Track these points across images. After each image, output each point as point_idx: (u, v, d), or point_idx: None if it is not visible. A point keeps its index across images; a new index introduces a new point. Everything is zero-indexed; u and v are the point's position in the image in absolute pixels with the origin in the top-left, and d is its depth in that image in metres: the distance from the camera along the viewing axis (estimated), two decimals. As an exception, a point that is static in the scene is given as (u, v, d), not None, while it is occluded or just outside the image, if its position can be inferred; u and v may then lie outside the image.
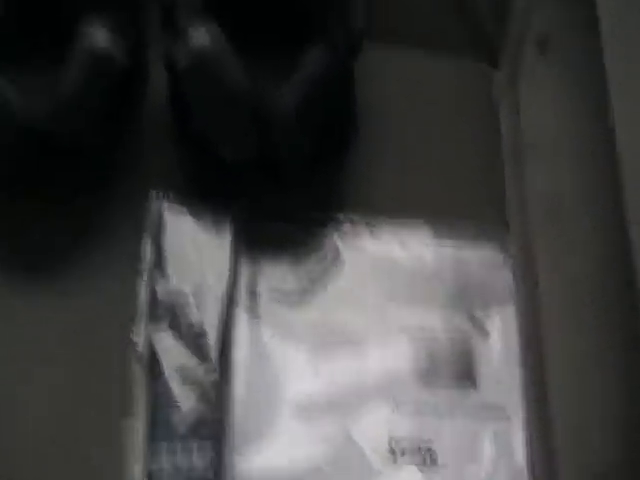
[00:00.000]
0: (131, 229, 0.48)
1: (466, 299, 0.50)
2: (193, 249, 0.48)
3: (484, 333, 0.50)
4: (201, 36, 0.44)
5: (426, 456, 0.46)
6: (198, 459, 0.42)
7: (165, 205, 0.48)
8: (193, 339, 0.45)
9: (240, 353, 0.46)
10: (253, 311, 0.48)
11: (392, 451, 0.46)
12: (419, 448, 0.46)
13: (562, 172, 0.50)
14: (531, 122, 0.54)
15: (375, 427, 0.46)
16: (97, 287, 0.47)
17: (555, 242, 0.49)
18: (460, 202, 0.54)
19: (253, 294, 0.48)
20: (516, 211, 0.53)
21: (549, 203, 0.51)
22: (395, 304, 0.49)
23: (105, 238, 0.48)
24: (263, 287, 0.48)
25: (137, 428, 0.42)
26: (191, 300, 0.46)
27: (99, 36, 0.44)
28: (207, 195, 0.49)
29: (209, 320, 0.45)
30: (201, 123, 0.45)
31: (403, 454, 0.46)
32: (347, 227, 0.51)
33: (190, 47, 0.44)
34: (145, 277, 0.47)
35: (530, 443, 0.47)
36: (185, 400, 0.43)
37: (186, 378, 0.44)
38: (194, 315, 0.45)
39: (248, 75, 0.44)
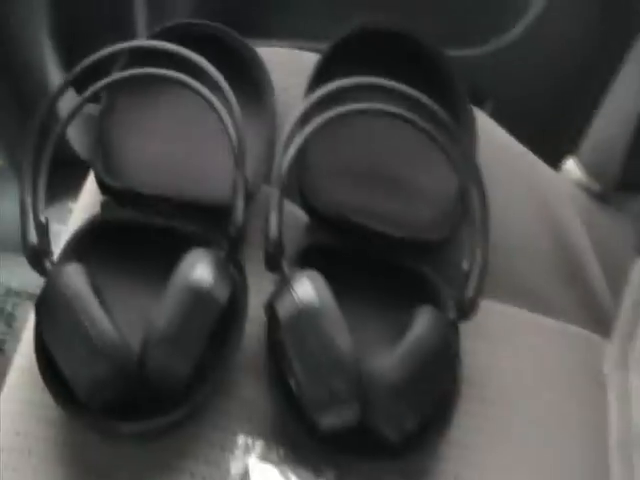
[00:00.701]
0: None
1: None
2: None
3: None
4: (306, 288, 0.43)
5: None
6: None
7: (252, 459, 0.46)
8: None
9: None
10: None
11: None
12: None
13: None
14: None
15: None
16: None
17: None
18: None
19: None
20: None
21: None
22: None
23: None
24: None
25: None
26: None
27: (202, 274, 0.44)
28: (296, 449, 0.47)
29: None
30: (298, 380, 0.43)
31: None
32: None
33: (294, 299, 0.43)
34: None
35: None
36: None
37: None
38: None
39: (352, 334, 0.43)
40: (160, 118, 0.56)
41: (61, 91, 0.51)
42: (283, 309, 0.43)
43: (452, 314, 0.47)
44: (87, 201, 0.57)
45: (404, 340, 0.44)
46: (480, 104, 0.66)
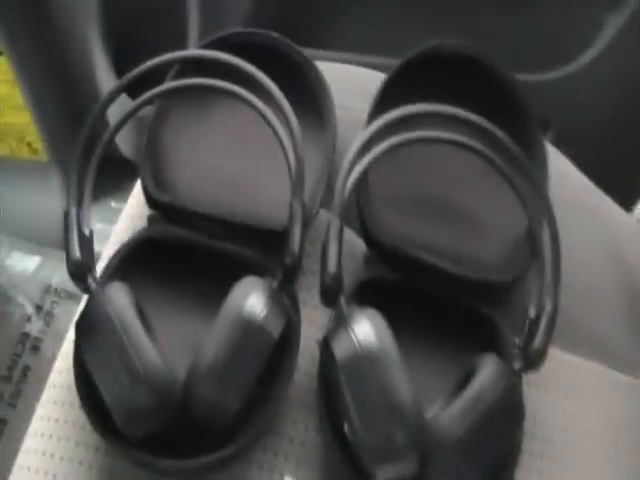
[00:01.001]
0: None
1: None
2: None
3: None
4: (366, 329, 0.41)
5: None
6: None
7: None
8: None
9: None
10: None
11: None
12: None
13: None
14: None
15: None
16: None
17: None
18: None
19: None
20: None
21: None
22: None
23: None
24: None
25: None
26: None
27: (254, 305, 0.42)
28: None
29: None
30: (354, 425, 0.40)
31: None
32: None
33: (353, 339, 0.40)
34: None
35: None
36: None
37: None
38: None
39: (411, 380, 0.40)
40: (215, 131, 0.53)
41: (112, 98, 0.48)
42: (340, 349, 0.41)
43: (517, 364, 0.44)
44: (133, 213, 0.54)
45: (467, 391, 0.41)
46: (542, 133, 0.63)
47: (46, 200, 0.98)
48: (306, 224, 0.46)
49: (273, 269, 0.45)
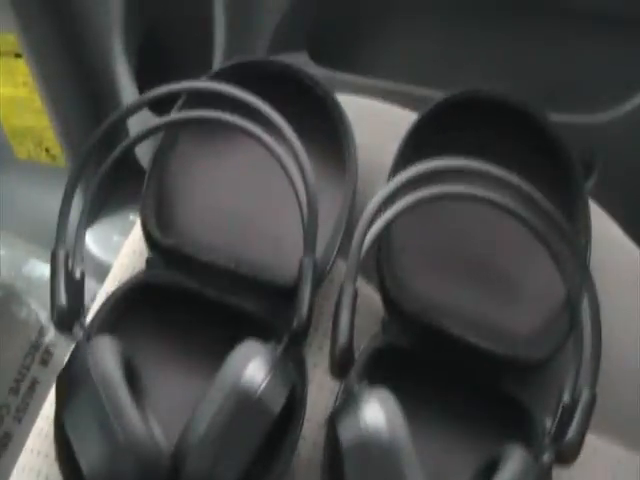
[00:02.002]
0: None
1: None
2: None
3: None
4: (376, 414, 0.36)
5: None
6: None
7: None
8: None
9: None
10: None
11: None
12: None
13: None
14: None
15: None
16: None
17: None
18: None
19: None
20: None
21: None
22: None
23: None
24: None
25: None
26: None
27: (254, 377, 0.37)
28: None
29: None
30: None
31: None
32: None
33: (361, 424, 0.36)
34: None
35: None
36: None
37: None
38: None
39: (425, 475, 0.35)
40: (226, 169, 0.49)
41: (123, 117, 0.45)
42: (346, 433, 0.36)
43: (547, 456, 0.38)
44: (135, 249, 0.50)
45: None
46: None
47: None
48: (319, 281, 0.42)
49: (280, 328, 0.41)
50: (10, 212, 1.02)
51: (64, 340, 1.02)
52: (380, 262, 0.44)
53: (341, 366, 0.38)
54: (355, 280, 0.39)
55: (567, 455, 0.38)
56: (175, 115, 0.47)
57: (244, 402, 0.37)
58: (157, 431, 0.39)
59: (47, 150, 0.95)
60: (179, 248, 0.45)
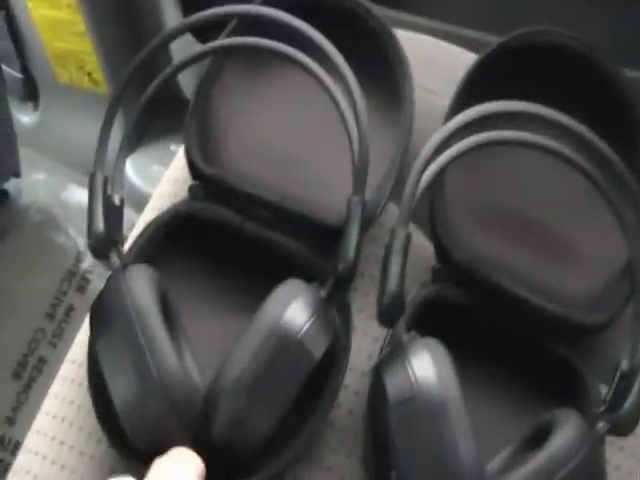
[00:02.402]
0: None
1: None
2: None
3: None
4: (427, 368, 0.34)
5: None
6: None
7: None
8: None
9: None
10: None
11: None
12: None
13: None
14: None
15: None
16: None
17: None
18: None
19: None
20: None
21: None
22: None
23: None
24: None
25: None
26: None
27: (295, 318, 0.35)
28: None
29: None
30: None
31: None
32: None
33: (410, 377, 0.34)
34: None
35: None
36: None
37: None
38: None
39: (474, 435, 0.33)
40: (273, 101, 0.46)
41: (166, 41, 0.42)
42: (394, 387, 0.34)
43: (602, 425, 0.36)
44: (177, 176, 0.48)
45: (540, 453, 0.34)
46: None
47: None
48: (368, 223, 0.40)
49: (324, 271, 0.39)
50: (50, 137, 1.02)
51: (101, 268, 1.02)
52: (433, 209, 0.42)
53: (390, 313, 0.36)
54: (407, 224, 0.36)
55: (623, 426, 0.36)
56: (220, 41, 0.45)
57: (283, 345, 0.35)
58: (192, 368, 0.38)
59: (89, 75, 0.93)
60: (223, 178, 0.43)
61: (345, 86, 0.39)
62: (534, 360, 0.41)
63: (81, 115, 0.98)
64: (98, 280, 0.99)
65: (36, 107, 1.03)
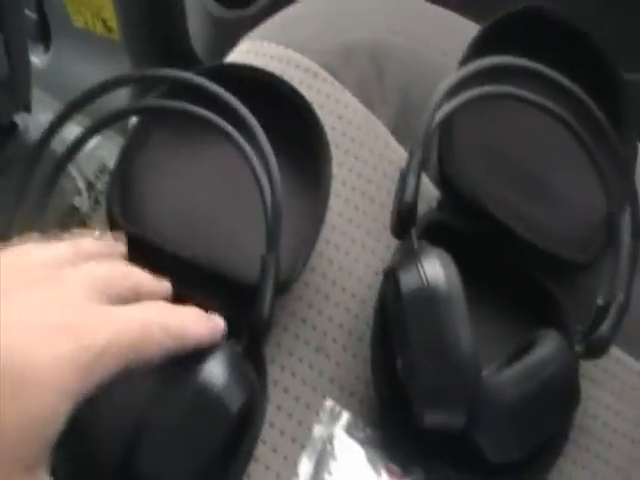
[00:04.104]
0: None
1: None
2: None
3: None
4: (437, 268, 0.39)
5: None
6: None
7: (337, 429, 0.43)
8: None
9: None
10: None
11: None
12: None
13: None
14: None
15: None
16: None
17: None
18: None
19: None
20: None
21: None
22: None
23: None
24: None
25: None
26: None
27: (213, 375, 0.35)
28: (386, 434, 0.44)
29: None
30: (409, 362, 0.39)
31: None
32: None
33: (421, 275, 0.39)
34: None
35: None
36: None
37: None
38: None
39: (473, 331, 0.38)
40: (196, 162, 0.48)
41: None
42: (407, 282, 0.39)
43: (578, 347, 0.42)
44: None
45: (526, 358, 0.40)
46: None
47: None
48: (283, 287, 0.42)
49: (240, 321, 0.39)
50: (59, 79, 1.05)
51: (99, 209, 1.07)
52: (441, 144, 0.47)
53: (405, 223, 0.41)
54: (423, 147, 0.41)
55: (597, 348, 0.42)
56: (150, 101, 0.46)
57: (202, 399, 0.35)
58: None
59: (104, 21, 0.96)
60: (141, 236, 0.43)
61: (261, 152, 0.41)
62: (523, 290, 0.47)
63: (92, 60, 1.02)
64: (97, 221, 1.04)
65: (47, 49, 1.06)
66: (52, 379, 0.28)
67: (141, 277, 0.36)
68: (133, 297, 0.35)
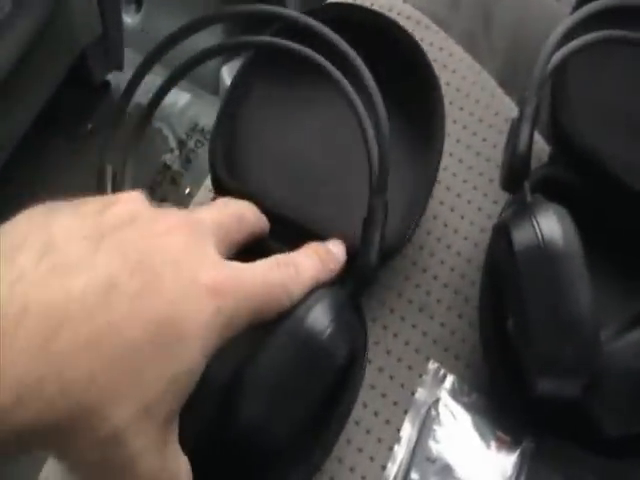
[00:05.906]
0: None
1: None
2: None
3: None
4: (553, 225, 0.36)
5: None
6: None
7: (442, 392, 0.42)
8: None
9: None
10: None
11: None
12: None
13: None
14: None
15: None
16: None
17: None
18: None
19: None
20: None
21: None
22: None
23: None
24: None
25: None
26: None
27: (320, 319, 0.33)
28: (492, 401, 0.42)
29: None
30: (522, 323, 0.36)
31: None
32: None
33: (536, 230, 0.36)
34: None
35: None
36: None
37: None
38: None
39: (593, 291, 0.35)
40: (299, 118, 0.45)
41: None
42: (520, 237, 0.36)
43: None
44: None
45: None
46: None
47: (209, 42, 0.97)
48: (390, 254, 0.40)
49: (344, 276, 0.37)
50: (151, 39, 1.05)
51: (192, 166, 1.08)
52: (554, 96, 0.44)
53: (517, 175, 0.38)
54: (537, 95, 0.38)
55: None
56: (255, 37, 0.42)
57: (307, 347, 0.33)
58: None
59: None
60: (247, 193, 0.40)
61: (370, 102, 0.37)
62: (636, 253, 0.43)
63: (183, 19, 1.01)
64: (189, 177, 1.05)
65: (139, 9, 1.07)
66: (201, 337, 0.29)
67: (249, 218, 0.37)
68: (244, 240, 0.36)
